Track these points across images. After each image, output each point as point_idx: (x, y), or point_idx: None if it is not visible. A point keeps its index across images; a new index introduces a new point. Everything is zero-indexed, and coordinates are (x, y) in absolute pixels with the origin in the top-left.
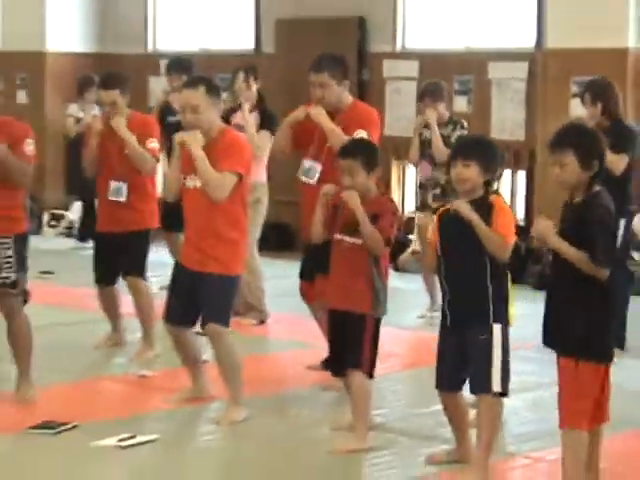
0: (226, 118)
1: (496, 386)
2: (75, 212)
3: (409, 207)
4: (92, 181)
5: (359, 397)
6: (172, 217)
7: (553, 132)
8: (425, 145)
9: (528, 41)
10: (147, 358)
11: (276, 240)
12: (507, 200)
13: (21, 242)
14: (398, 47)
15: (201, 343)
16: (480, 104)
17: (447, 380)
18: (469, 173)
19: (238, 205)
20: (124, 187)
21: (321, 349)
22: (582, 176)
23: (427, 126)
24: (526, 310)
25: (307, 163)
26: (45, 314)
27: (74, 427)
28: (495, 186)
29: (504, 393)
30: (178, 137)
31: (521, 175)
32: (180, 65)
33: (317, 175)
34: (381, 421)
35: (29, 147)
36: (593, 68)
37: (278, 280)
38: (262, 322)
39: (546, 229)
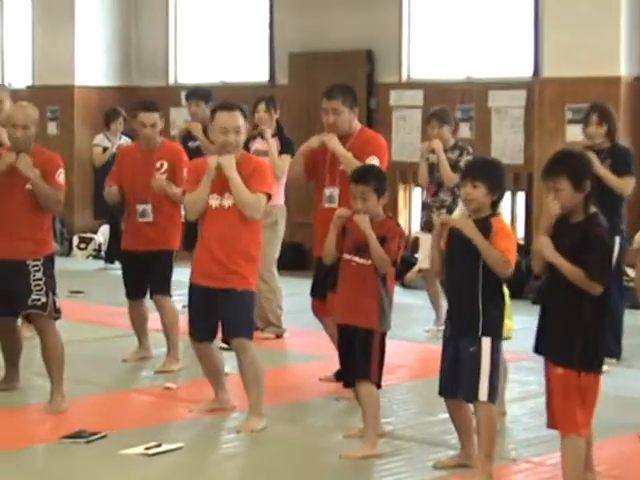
0: (245, 145)
1: (482, 396)
2: (102, 235)
3: (415, 227)
4: (118, 205)
5: (369, 406)
6: (194, 237)
7: (548, 157)
8: (431, 168)
9: (526, 71)
10: (172, 371)
11: (291, 259)
12: (508, 220)
13: (49, 263)
14: (404, 78)
15: (223, 357)
16: (481, 130)
17: (444, 387)
18: (477, 193)
19: (259, 223)
20: (149, 208)
21: (333, 362)
22: (576, 197)
23: (433, 151)
24: (526, 323)
25: (328, 191)
26: (76, 330)
27: (103, 436)
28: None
29: (492, 401)
30: (213, 160)
31: (520, 196)
32: (198, 93)
33: (337, 199)
34: (390, 429)
35: (60, 176)
36: (587, 95)
37: (293, 297)
38: (279, 337)
39: (545, 244)
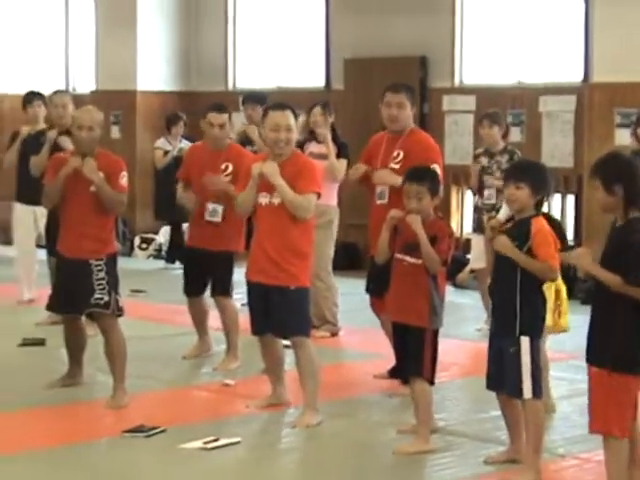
0: (300, 147)
1: (527, 393)
2: (163, 235)
3: (467, 229)
4: (178, 206)
5: (421, 402)
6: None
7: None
8: (482, 172)
9: (576, 76)
10: (230, 368)
11: (345, 259)
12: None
13: (112, 262)
14: (456, 83)
15: (284, 353)
16: (532, 134)
17: (491, 382)
18: (520, 194)
19: (310, 221)
20: (220, 209)
21: (387, 359)
22: (608, 200)
23: (484, 154)
24: (574, 323)
25: (379, 189)
26: (138, 328)
27: (163, 431)
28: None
29: (537, 397)
30: (257, 168)
31: (570, 199)
32: (254, 97)
33: (387, 196)
34: (443, 425)
35: (123, 179)
36: (636, 100)
37: (347, 296)
38: (334, 335)
39: (581, 257)
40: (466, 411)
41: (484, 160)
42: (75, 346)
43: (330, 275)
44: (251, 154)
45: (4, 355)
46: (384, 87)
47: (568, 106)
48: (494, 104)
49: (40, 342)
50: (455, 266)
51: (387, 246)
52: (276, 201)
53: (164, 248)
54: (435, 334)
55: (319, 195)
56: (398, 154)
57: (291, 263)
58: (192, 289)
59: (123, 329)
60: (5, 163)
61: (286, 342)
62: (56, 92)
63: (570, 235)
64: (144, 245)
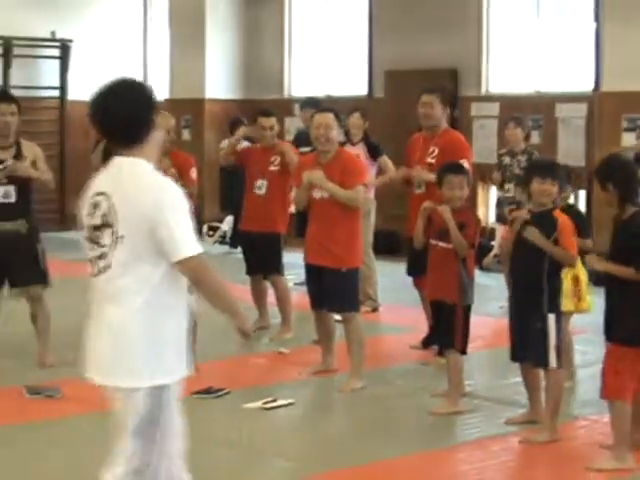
0: None
1: (552, 363)
2: (227, 224)
3: (491, 219)
4: (239, 200)
5: (453, 370)
6: (305, 224)
7: None
8: (504, 170)
9: (587, 85)
10: (285, 338)
11: (385, 245)
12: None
13: None
14: (483, 92)
15: (335, 326)
16: (549, 137)
17: (516, 354)
18: (554, 189)
19: (358, 210)
20: (265, 183)
21: (421, 332)
22: (603, 196)
23: (507, 154)
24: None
25: (417, 179)
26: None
27: (228, 392)
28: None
29: (560, 366)
30: (307, 177)
31: (582, 194)
32: (312, 102)
33: (424, 186)
34: (470, 390)
35: (193, 174)
36: None
37: (387, 277)
38: (375, 310)
39: (594, 262)
40: (490, 378)
41: (506, 159)
42: None
43: (371, 257)
44: (297, 151)
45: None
46: (419, 97)
47: (580, 112)
48: (515, 110)
49: None
50: (481, 251)
51: (422, 233)
52: (327, 195)
53: (228, 235)
54: (466, 309)
55: (365, 185)
56: (433, 150)
57: (343, 248)
58: (251, 269)
59: (194, 306)
60: (93, 162)
61: (337, 317)
62: None
63: None
64: (211, 232)
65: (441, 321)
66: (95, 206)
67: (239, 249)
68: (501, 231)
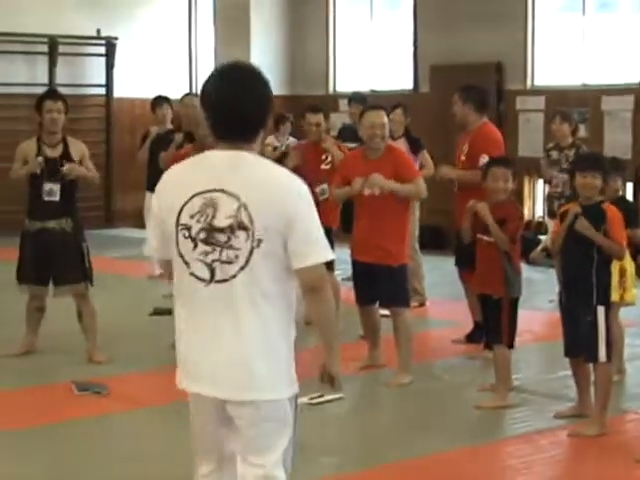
0: None
1: (602, 357)
2: None
3: (538, 213)
4: None
5: (500, 364)
6: (351, 220)
7: None
8: (552, 164)
9: (634, 78)
10: None
11: (431, 240)
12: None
13: None
14: (528, 85)
15: (381, 320)
16: (595, 130)
17: (569, 349)
18: (596, 182)
19: (407, 206)
20: (326, 187)
21: (466, 326)
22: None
23: (554, 148)
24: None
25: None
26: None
27: None
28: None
29: (610, 360)
30: (357, 184)
31: (628, 186)
32: (357, 98)
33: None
34: (518, 384)
35: None
36: None
37: (433, 272)
38: (422, 305)
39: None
40: (538, 372)
41: (554, 154)
42: None
43: (417, 252)
44: (345, 147)
45: (137, 322)
46: None
47: (627, 105)
48: (561, 104)
49: (168, 312)
50: (528, 245)
51: (469, 229)
52: (377, 192)
53: None
54: (513, 303)
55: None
56: (465, 147)
57: (392, 244)
58: None
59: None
60: (139, 159)
61: (383, 312)
62: (187, 94)
63: None
64: None
65: (488, 315)
66: (209, 204)
67: None
68: (552, 226)
